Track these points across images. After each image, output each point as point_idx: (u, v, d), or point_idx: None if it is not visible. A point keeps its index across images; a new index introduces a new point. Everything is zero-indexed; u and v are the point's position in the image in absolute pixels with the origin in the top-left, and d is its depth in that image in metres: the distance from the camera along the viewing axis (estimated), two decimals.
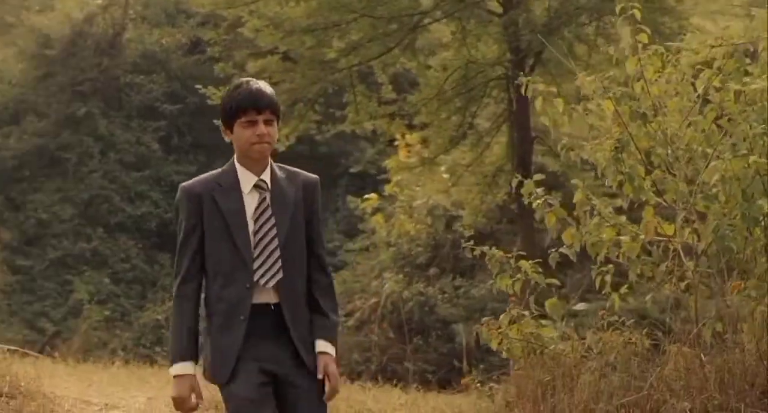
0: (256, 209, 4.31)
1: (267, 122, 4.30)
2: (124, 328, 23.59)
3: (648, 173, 7.81)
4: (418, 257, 20.97)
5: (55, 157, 25.73)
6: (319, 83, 15.52)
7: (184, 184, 4.39)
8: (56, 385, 8.74)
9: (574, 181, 8.12)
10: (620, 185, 7.88)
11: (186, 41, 27.00)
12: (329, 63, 15.36)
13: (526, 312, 7.77)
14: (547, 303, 7.84)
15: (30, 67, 25.97)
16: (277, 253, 4.28)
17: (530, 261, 7.86)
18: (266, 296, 4.29)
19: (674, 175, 7.69)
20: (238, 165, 4.36)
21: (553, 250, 7.79)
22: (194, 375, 4.24)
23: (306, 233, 4.40)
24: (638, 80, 7.84)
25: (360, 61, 15.54)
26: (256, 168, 4.34)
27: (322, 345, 4.35)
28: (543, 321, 7.85)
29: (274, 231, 4.29)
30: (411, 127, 17.36)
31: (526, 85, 7.89)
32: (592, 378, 7.35)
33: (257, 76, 15.94)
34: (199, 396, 4.24)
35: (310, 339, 4.35)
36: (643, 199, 7.91)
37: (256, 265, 4.27)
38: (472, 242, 8.06)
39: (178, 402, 4.21)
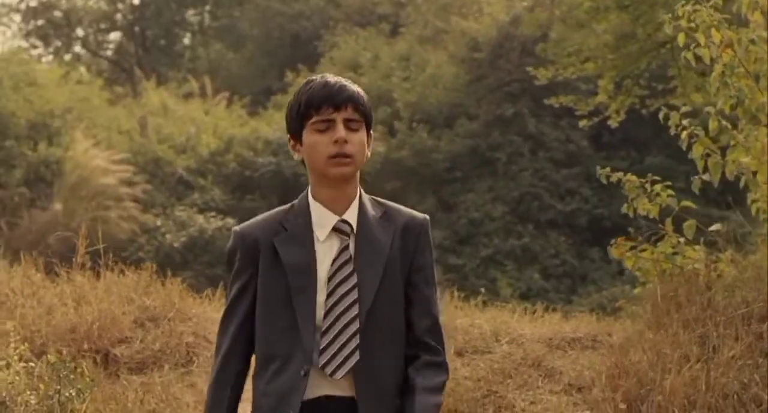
0: (334, 262, 3.22)
1: (350, 124, 3.20)
2: None
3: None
4: None
5: (486, 157, 26.71)
6: (646, 58, 15.23)
7: (237, 228, 3.33)
8: None
9: (707, 109, 8.00)
10: (732, 108, 7.66)
11: None
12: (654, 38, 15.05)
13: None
14: (684, 225, 7.89)
15: (461, 71, 27.18)
16: (355, 326, 3.18)
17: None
18: (334, 388, 3.21)
19: None
20: (311, 199, 3.25)
21: (696, 177, 7.88)
22: None
23: (406, 297, 3.29)
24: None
25: None
26: (338, 203, 3.24)
27: None
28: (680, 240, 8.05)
29: (353, 294, 3.19)
30: None
31: None
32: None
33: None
34: None
35: None
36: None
37: (323, 343, 3.19)
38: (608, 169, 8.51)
39: None
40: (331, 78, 3.24)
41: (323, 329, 3.16)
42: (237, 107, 29.02)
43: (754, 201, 8.02)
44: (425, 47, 28.62)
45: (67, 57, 36.35)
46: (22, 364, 7.17)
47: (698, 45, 7.63)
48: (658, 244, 8.02)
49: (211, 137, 26.64)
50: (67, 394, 6.88)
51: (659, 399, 6.77)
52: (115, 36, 38.77)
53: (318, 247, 3.21)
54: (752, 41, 7.52)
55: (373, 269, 3.20)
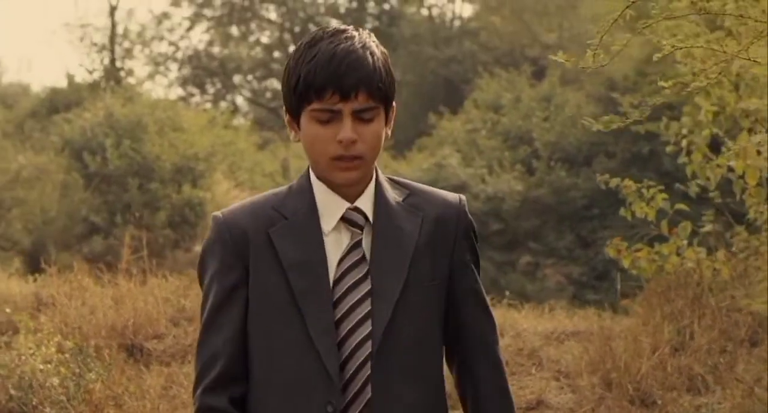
0: (341, 262, 2.54)
1: (361, 115, 2.50)
2: None
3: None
4: None
5: (623, 194, 26.95)
6: None
7: (219, 214, 2.60)
8: None
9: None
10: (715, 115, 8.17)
11: None
12: None
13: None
14: (680, 226, 8.40)
15: (598, 110, 27.59)
16: (366, 349, 2.50)
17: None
18: None
19: None
20: (314, 178, 2.60)
21: (691, 181, 8.66)
22: None
23: (447, 310, 2.63)
24: None
25: None
26: (349, 187, 2.58)
27: None
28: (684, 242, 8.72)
29: (366, 305, 2.52)
30: None
31: None
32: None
33: None
34: None
35: None
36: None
37: (347, 373, 2.49)
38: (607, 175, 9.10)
39: None
40: (342, 43, 2.47)
41: (344, 354, 2.48)
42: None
43: (750, 206, 8.44)
44: (566, 88, 29.14)
45: (224, 104, 38.15)
46: (57, 355, 8.13)
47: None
48: (655, 244, 8.56)
49: None
50: (87, 377, 7.80)
51: (632, 381, 7.32)
52: (271, 83, 40.41)
53: (327, 241, 2.53)
54: None
55: (393, 272, 2.49)
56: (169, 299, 9.09)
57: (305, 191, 2.58)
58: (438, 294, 2.60)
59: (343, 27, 2.53)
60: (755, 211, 8.44)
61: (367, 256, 2.54)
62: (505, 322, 8.76)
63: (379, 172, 2.66)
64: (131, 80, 32.95)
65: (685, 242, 8.56)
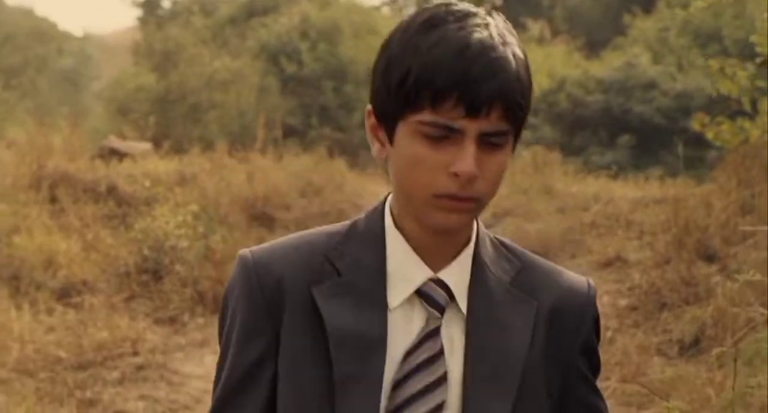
0: (410, 354, 1.78)
1: (489, 139, 1.73)
2: None
3: None
4: None
5: None
6: None
7: (247, 252, 1.86)
8: None
9: None
10: None
11: None
12: None
13: None
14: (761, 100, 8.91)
15: None
16: None
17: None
18: None
19: None
20: (391, 226, 1.83)
21: None
22: None
23: None
24: None
25: None
26: (436, 246, 1.81)
27: None
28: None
29: None
30: None
31: None
32: None
33: None
34: None
35: None
36: None
37: None
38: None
39: None
40: (476, 32, 1.71)
41: None
42: (572, 48, 30.40)
43: None
44: None
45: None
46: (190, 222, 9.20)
47: None
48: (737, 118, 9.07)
49: (544, 78, 28.15)
50: (211, 239, 8.88)
51: (701, 239, 7.96)
52: None
53: (391, 316, 1.80)
54: None
55: (497, 389, 1.78)
56: (300, 174, 10.06)
57: (375, 238, 1.82)
58: None
59: (473, 8, 1.76)
60: None
61: (446, 351, 1.78)
62: (601, 191, 9.45)
63: (481, 226, 1.87)
64: None
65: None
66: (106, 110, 22.71)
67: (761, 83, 8.84)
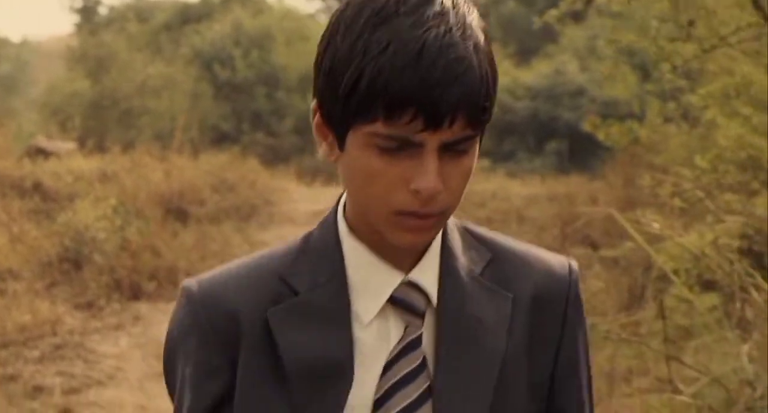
0: (387, 370, 1.59)
1: (453, 149, 1.50)
2: None
3: None
4: None
5: None
6: None
7: (191, 283, 1.63)
8: None
9: None
10: None
11: None
12: None
13: None
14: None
15: None
16: None
17: None
18: None
19: None
20: (348, 234, 1.63)
21: None
22: None
23: None
24: None
25: None
26: (402, 249, 1.60)
27: None
28: None
29: None
30: None
31: None
32: None
33: None
34: None
35: None
36: None
37: None
38: None
39: None
40: (433, 26, 1.47)
41: None
42: (502, 56, 31.31)
43: None
44: None
45: None
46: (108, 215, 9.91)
47: None
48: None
49: None
50: (127, 230, 9.59)
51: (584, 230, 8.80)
52: None
53: (358, 334, 1.60)
54: None
55: (471, 396, 1.60)
56: (214, 172, 10.79)
57: (331, 250, 1.63)
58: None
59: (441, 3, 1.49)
60: None
61: (430, 363, 1.60)
62: (499, 189, 10.26)
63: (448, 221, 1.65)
64: None
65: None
66: (40, 115, 23.27)
67: (650, 87, 9.67)
